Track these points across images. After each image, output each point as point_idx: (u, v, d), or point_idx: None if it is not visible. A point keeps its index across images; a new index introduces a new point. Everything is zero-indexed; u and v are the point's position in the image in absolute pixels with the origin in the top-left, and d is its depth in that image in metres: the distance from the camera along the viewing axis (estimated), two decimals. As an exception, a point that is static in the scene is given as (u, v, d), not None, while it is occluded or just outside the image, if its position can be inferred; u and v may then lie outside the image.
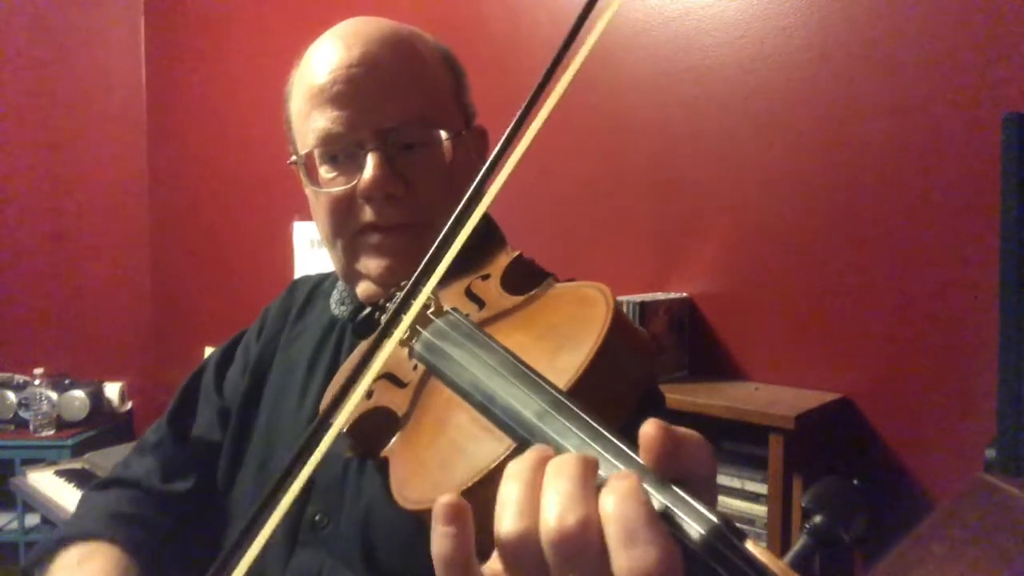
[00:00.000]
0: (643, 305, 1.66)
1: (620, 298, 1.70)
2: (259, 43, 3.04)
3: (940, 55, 1.45)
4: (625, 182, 1.93)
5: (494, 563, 0.38)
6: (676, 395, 1.53)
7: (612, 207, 1.96)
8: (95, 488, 0.90)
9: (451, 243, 0.50)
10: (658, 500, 0.35)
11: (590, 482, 0.36)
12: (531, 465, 0.38)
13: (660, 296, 1.76)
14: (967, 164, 1.42)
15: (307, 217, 2.84)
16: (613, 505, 0.34)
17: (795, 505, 1.45)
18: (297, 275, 2.68)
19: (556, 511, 0.35)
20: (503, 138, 0.51)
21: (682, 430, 0.37)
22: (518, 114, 0.50)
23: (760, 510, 1.48)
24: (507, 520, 0.36)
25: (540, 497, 0.36)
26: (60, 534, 0.81)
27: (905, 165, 1.50)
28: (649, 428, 0.36)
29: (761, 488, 1.48)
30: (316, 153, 0.76)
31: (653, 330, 1.67)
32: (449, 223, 0.50)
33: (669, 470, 0.36)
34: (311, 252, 2.68)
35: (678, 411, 1.51)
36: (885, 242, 1.52)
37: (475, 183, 0.51)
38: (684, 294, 1.79)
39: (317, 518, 0.74)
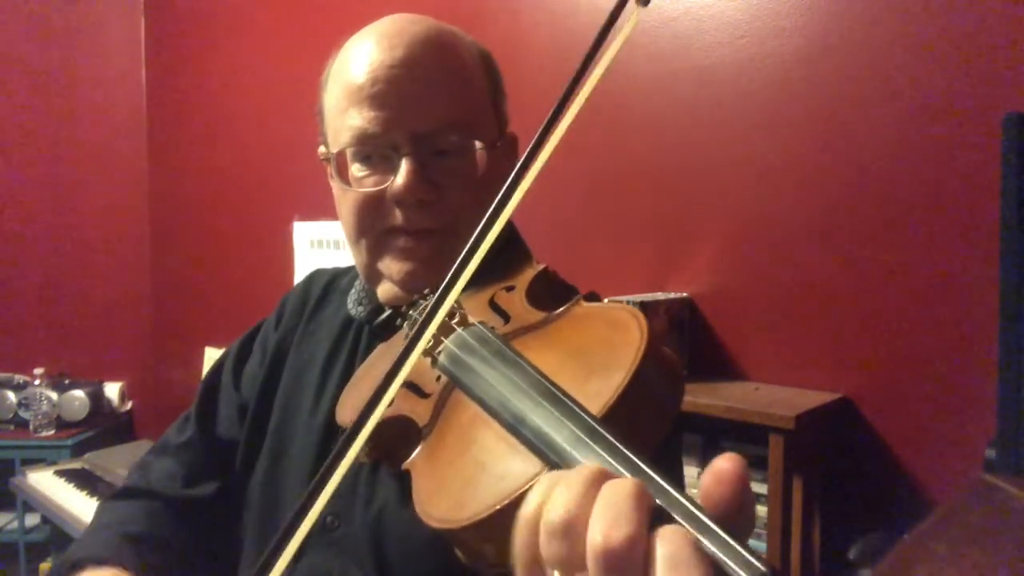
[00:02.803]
0: (643, 305, 1.66)
1: (620, 298, 1.70)
2: (259, 43, 3.04)
3: (940, 55, 1.45)
4: (625, 182, 1.93)
5: None
6: (676, 395, 1.53)
7: (612, 207, 1.95)
8: (113, 497, 0.89)
9: (475, 254, 0.49)
10: (704, 542, 0.34)
11: (643, 506, 0.35)
12: (590, 476, 0.37)
13: (660, 296, 1.76)
14: (967, 164, 1.42)
15: (307, 217, 2.85)
16: (662, 541, 0.34)
17: (795, 505, 1.45)
18: (297, 275, 2.70)
19: (606, 522, 0.35)
20: (523, 155, 0.51)
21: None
22: (540, 128, 0.50)
23: (760, 510, 1.48)
24: (556, 509, 0.36)
25: (591, 513, 0.36)
26: (74, 556, 0.80)
27: (905, 165, 1.50)
28: (728, 464, 0.36)
29: (761, 488, 1.48)
30: (349, 151, 0.75)
31: (659, 338, 1.67)
32: (475, 235, 0.50)
33: (731, 509, 0.36)
34: (311, 252, 2.68)
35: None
36: (885, 242, 1.52)
37: (499, 197, 0.50)
38: (684, 294, 1.79)
39: (328, 520, 0.74)
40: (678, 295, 1.78)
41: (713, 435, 1.62)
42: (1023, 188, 1.05)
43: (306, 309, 0.93)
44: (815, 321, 1.62)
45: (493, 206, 0.50)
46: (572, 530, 0.36)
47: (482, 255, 0.50)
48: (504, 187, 0.51)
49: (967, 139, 1.42)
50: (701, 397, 1.53)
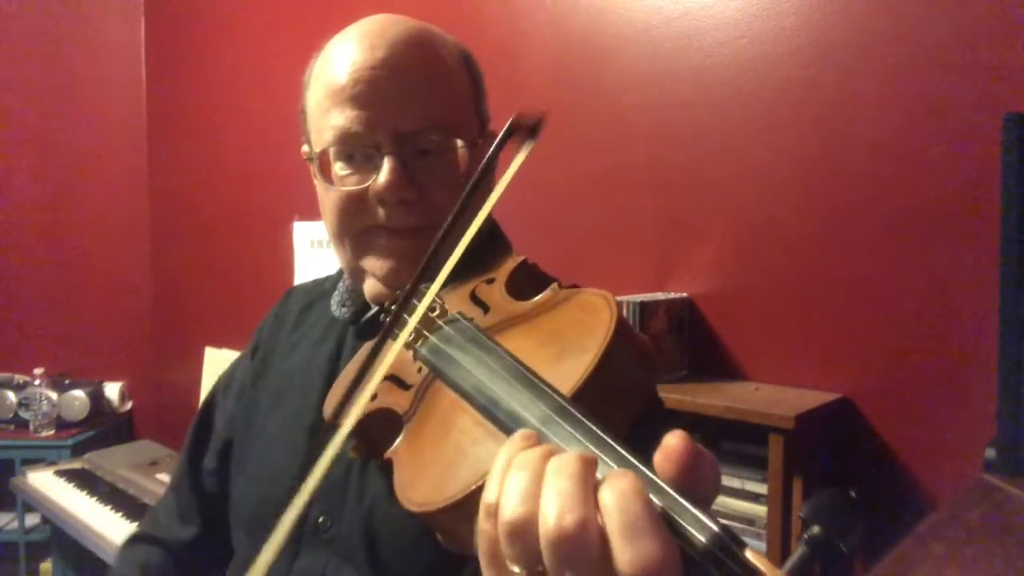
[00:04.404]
0: (643, 305, 1.66)
1: (620, 298, 1.70)
2: (259, 43, 3.04)
3: (940, 55, 1.45)
4: (625, 182, 1.93)
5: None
6: (676, 395, 1.53)
7: (612, 207, 1.95)
8: (128, 542, 0.98)
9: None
10: (659, 504, 0.36)
11: (589, 481, 0.37)
12: (538, 457, 0.39)
13: (660, 296, 1.76)
14: (967, 164, 1.42)
15: (307, 217, 2.86)
16: (612, 499, 0.35)
17: (795, 505, 1.45)
18: (297, 275, 2.69)
19: (555, 511, 0.35)
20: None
21: (700, 447, 0.38)
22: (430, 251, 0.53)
23: (760, 510, 1.48)
24: (511, 507, 0.37)
25: (541, 491, 0.37)
26: None
27: (905, 165, 1.50)
28: (675, 441, 0.37)
29: (761, 488, 1.48)
30: (331, 151, 0.76)
31: (653, 330, 1.67)
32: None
33: (684, 482, 0.37)
34: (311, 252, 2.68)
35: (678, 411, 1.51)
36: (885, 242, 1.52)
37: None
38: (684, 294, 1.79)
39: (320, 520, 0.74)
40: (678, 295, 1.78)
41: (713, 435, 1.62)
42: (1023, 188, 1.05)
43: (286, 325, 0.94)
44: (815, 321, 1.62)
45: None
46: (527, 527, 0.37)
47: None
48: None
49: (967, 139, 1.42)
50: (701, 397, 1.53)
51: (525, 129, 0.54)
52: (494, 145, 0.55)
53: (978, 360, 1.39)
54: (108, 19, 3.59)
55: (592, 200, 1.99)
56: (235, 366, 0.99)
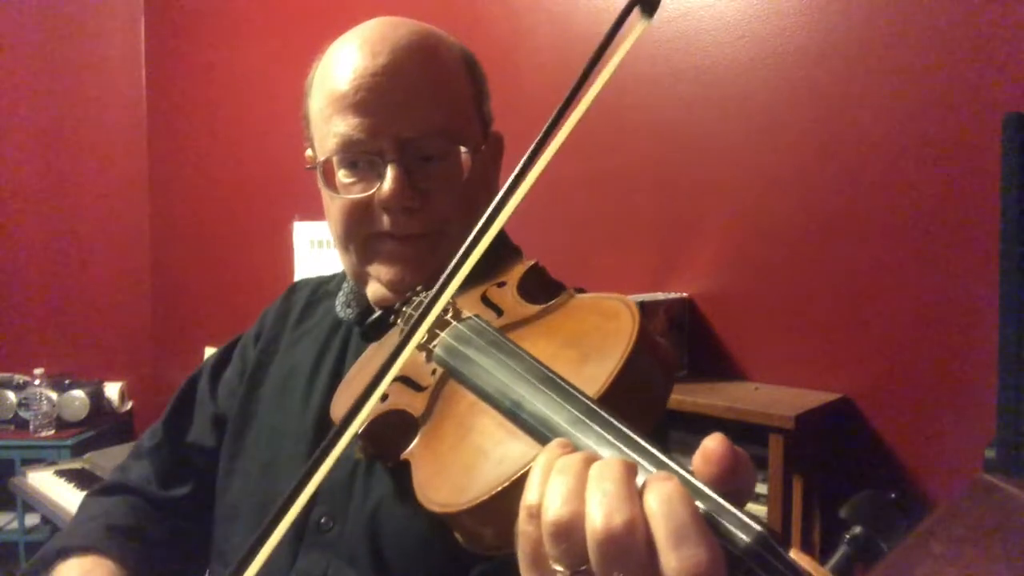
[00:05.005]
0: (643, 305, 1.66)
1: (620, 298, 1.70)
2: (259, 43, 3.04)
3: (940, 55, 1.45)
4: (625, 182, 1.93)
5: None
6: (676, 395, 1.53)
7: (612, 207, 1.95)
8: (96, 492, 0.92)
9: (470, 253, 0.51)
10: (703, 507, 0.36)
11: (632, 485, 0.37)
12: (579, 461, 0.39)
13: (660, 296, 1.76)
14: (967, 164, 1.42)
15: (307, 217, 2.85)
16: (658, 504, 0.35)
17: (795, 505, 1.45)
18: (297, 275, 2.69)
19: (603, 511, 0.36)
20: (525, 157, 0.52)
21: (736, 448, 0.39)
22: (541, 133, 0.51)
23: (760, 510, 1.48)
24: (555, 507, 0.37)
25: (586, 494, 0.37)
26: (60, 544, 0.82)
27: (905, 165, 1.50)
28: (714, 444, 0.38)
29: (761, 488, 1.48)
30: (335, 159, 0.76)
31: (653, 330, 1.67)
32: (472, 235, 0.51)
33: (724, 484, 0.37)
34: (311, 252, 2.67)
35: (678, 411, 1.51)
36: (885, 242, 1.52)
37: (497, 199, 0.51)
38: (684, 294, 1.79)
39: (322, 520, 0.74)
40: (678, 295, 1.78)
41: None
42: (1023, 188, 1.05)
43: (290, 318, 0.94)
44: (815, 321, 1.62)
45: (493, 205, 0.52)
46: (572, 527, 0.37)
47: (481, 252, 0.51)
48: (507, 185, 0.52)
49: (967, 139, 1.42)
50: (701, 397, 1.53)
51: (643, 3, 0.50)
52: (614, 23, 0.52)
53: (978, 360, 1.39)
54: (109, 20, 3.59)
55: (592, 200, 1.99)
56: (231, 346, 0.98)
